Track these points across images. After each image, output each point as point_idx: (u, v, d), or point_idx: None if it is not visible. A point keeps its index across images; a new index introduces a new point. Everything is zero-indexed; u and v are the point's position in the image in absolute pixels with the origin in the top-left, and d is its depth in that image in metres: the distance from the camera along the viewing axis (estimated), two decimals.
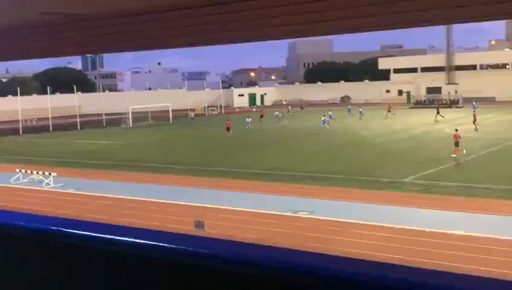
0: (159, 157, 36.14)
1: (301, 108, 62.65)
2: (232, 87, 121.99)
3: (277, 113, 60.16)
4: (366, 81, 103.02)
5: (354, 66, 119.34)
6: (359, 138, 41.50)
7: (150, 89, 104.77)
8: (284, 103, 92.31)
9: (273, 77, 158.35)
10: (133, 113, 70.72)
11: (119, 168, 31.59)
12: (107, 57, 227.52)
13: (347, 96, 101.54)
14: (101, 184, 26.93)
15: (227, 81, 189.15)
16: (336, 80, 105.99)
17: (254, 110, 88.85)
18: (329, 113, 58.10)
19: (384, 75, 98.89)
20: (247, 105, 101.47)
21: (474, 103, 62.71)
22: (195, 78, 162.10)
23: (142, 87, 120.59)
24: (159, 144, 45.19)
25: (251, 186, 24.54)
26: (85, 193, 24.58)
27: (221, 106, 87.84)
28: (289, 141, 41.99)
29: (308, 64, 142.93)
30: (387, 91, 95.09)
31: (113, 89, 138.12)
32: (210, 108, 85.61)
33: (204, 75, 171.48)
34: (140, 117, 74.28)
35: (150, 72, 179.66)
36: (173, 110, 78.47)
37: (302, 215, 19.06)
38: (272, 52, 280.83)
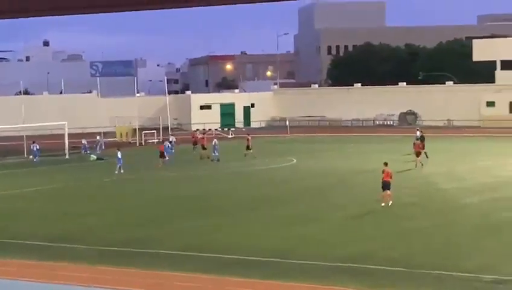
0: (39, 226, 36.00)
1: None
2: (189, 92, 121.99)
3: None
4: (449, 83, 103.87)
5: (425, 55, 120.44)
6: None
7: (26, 92, 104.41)
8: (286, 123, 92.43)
9: (268, 73, 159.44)
10: None
11: None
12: None
13: (411, 113, 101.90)
14: None
15: (180, 78, 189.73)
16: (391, 80, 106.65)
17: (231, 136, 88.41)
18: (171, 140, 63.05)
19: (484, 74, 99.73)
20: (219, 126, 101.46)
21: None
22: (117, 73, 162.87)
23: (10, 89, 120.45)
24: (42, 199, 44.96)
25: None
26: None
27: (166, 128, 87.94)
28: (307, 197, 42.29)
29: (337, 48, 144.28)
30: (490, 104, 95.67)
31: None
32: (144, 132, 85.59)
33: (134, 68, 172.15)
34: (5, 147, 73.65)
35: (27, 59, 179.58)
36: (72, 135, 77.65)
37: None
38: (266, 26, 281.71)
